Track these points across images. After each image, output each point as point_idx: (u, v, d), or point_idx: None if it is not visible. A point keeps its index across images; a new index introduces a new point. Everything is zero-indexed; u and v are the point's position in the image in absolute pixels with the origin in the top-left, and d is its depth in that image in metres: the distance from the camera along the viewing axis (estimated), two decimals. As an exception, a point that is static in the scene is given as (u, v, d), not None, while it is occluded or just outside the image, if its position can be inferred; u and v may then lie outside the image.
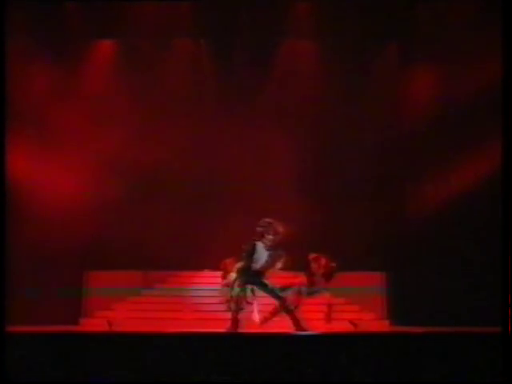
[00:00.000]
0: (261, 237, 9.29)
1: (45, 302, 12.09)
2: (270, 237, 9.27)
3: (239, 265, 9.41)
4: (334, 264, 9.98)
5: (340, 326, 11.05)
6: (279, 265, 9.41)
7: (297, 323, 9.28)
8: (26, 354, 6.97)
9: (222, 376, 6.93)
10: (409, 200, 13.57)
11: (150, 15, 13.41)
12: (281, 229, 9.46)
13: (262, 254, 9.25)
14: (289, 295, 9.55)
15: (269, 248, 9.28)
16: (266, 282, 9.29)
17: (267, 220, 9.39)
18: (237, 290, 9.20)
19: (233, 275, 9.47)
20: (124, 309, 12.36)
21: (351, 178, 13.59)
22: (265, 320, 9.65)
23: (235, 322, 9.13)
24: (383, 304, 12.63)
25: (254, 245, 9.25)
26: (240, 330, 9.05)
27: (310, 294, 9.92)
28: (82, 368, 6.95)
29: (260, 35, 13.70)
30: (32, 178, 12.57)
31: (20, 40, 12.18)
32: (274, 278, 9.51)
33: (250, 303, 9.41)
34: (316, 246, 13.14)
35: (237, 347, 7.21)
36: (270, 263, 9.29)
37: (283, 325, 11.18)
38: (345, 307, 12.49)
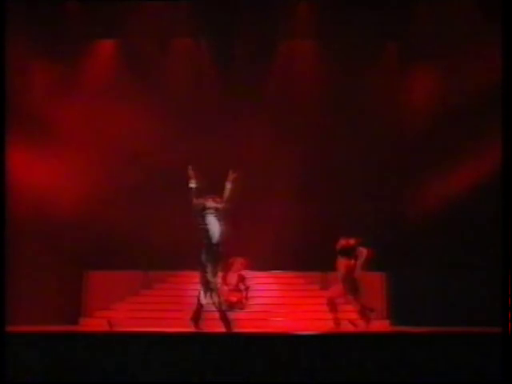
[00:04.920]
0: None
1: (45, 302, 12.09)
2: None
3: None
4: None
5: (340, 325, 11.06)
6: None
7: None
8: (26, 354, 6.98)
9: (221, 376, 6.93)
10: (409, 200, 13.56)
11: (150, 15, 13.40)
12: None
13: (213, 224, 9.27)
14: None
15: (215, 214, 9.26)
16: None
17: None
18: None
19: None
20: (124, 309, 12.36)
21: (351, 178, 13.59)
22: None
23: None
24: (383, 304, 12.63)
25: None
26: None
27: None
28: (82, 368, 6.95)
29: (260, 35, 13.70)
30: (32, 178, 12.56)
31: (20, 40, 12.17)
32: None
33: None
34: (316, 246, 13.23)
35: (237, 347, 7.21)
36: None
37: (283, 325, 11.23)
38: (345, 307, 12.49)
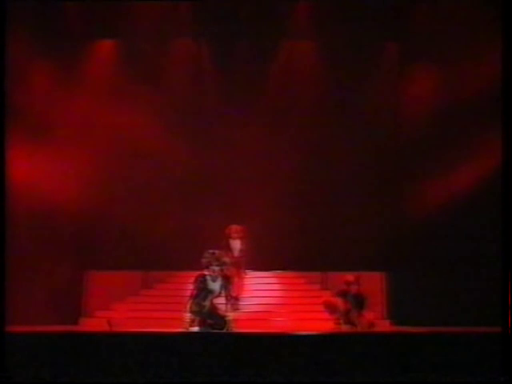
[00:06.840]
0: (206, 268, 9.22)
1: (45, 302, 12.08)
2: (215, 267, 9.20)
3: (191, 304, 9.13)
4: None
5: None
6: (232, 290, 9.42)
7: None
8: (26, 354, 6.98)
9: (221, 376, 6.93)
10: (408, 200, 13.55)
11: (150, 15, 13.40)
12: (226, 258, 9.53)
13: (213, 286, 9.21)
14: None
15: (215, 278, 9.20)
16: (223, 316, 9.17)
17: (210, 251, 9.33)
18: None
19: (187, 316, 9.08)
20: (124, 309, 12.35)
21: (351, 178, 13.59)
22: None
23: None
24: (383, 304, 12.62)
25: (204, 279, 9.19)
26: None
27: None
28: (81, 368, 6.95)
29: (260, 35, 13.70)
30: (32, 178, 12.54)
31: (20, 40, 12.15)
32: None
33: None
34: (317, 246, 13.25)
35: (236, 347, 7.21)
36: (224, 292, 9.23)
37: (283, 325, 11.23)
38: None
